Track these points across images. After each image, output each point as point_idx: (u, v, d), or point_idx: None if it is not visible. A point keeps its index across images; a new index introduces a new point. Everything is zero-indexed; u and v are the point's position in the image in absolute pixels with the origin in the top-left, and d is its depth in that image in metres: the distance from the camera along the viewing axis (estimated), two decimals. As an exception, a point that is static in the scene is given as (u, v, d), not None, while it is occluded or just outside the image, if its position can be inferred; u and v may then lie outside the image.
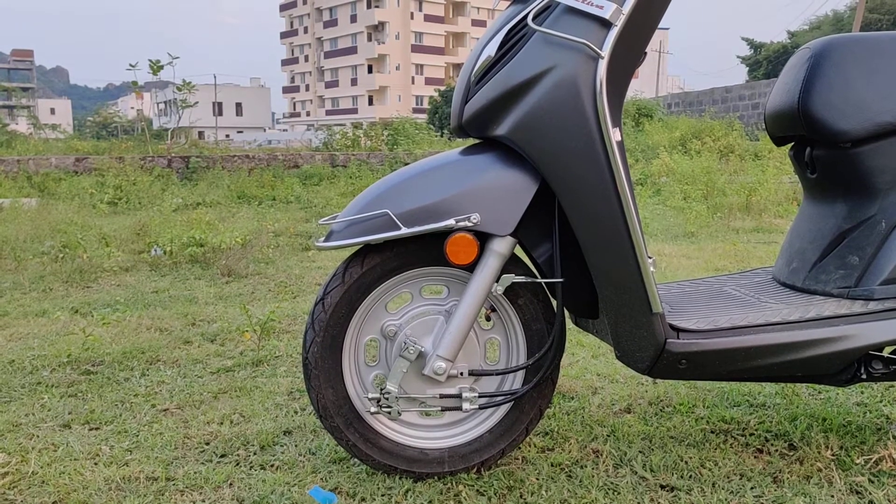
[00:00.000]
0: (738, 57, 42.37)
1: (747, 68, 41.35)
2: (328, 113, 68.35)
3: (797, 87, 1.85)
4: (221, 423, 2.10)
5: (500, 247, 1.62)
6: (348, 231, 1.61)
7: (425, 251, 1.66)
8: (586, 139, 1.51)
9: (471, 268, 1.66)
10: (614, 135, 1.52)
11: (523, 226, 1.63)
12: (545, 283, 1.70)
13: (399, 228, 1.57)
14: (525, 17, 1.55)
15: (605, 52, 1.48)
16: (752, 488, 1.70)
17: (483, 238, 1.62)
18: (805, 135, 1.90)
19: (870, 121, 1.77)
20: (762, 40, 41.39)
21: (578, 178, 1.53)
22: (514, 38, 1.58)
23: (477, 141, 1.71)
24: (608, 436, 1.99)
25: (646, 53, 1.64)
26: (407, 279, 1.71)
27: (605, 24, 1.49)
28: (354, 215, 1.61)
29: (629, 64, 1.59)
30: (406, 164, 11.51)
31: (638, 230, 1.56)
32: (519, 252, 1.71)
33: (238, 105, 72.90)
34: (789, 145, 2.08)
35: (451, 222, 1.56)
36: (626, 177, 1.54)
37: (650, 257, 1.60)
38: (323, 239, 1.66)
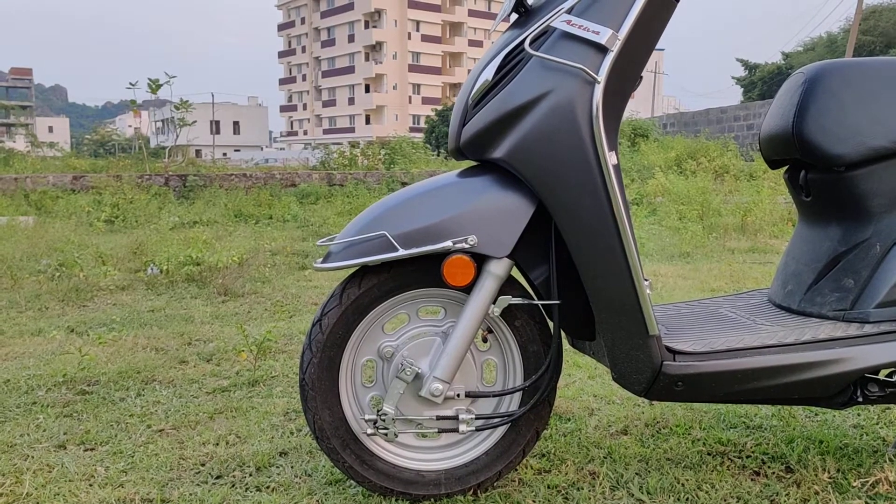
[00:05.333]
0: (733, 78, 42.75)
1: (742, 89, 41.69)
2: (325, 132, 68.56)
3: (791, 111, 1.86)
4: (217, 444, 2.09)
5: (497, 269, 1.63)
6: (346, 252, 1.62)
7: (422, 273, 1.66)
8: (583, 162, 1.52)
9: (468, 289, 1.66)
10: (610, 158, 1.54)
11: (520, 248, 1.64)
12: (542, 304, 1.71)
13: (396, 250, 1.57)
14: (522, 41, 1.57)
15: (602, 76, 1.50)
16: (749, 511, 1.70)
17: (480, 260, 1.63)
18: (799, 158, 1.91)
19: (863, 145, 1.79)
20: (757, 61, 41.77)
21: (575, 201, 1.54)
22: (512, 63, 1.60)
23: (474, 163, 1.73)
24: (605, 458, 1.99)
25: (641, 77, 1.66)
26: (404, 300, 1.71)
27: (602, 50, 1.51)
28: (352, 237, 1.62)
29: (625, 88, 1.61)
30: (403, 183, 11.57)
31: (634, 253, 1.56)
32: (516, 274, 1.72)
33: (235, 123, 73.11)
34: (784, 168, 2.10)
35: (448, 244, 1.57)
36: (622, 200, 1.55)
37: (646, 280, 1.61)
38: (321, 260, 1.67)
